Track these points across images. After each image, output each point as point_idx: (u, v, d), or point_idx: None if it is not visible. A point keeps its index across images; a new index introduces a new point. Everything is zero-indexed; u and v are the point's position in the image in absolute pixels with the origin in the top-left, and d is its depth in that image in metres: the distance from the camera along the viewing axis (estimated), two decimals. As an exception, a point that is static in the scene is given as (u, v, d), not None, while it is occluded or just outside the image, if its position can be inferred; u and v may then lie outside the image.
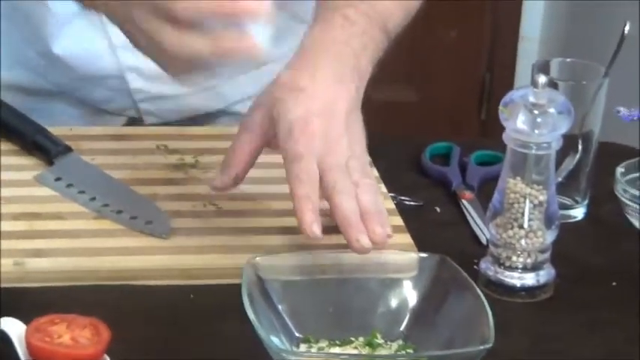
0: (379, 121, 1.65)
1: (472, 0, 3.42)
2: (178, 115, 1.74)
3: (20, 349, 1.17)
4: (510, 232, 1.34)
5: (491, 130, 3.26)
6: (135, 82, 1.68)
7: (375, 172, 1.48)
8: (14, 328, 1.19)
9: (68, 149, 1.50)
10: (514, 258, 1.35)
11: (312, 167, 1.31)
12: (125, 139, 1.49)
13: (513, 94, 1.33)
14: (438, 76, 3.45)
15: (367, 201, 1.31)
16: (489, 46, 3.47)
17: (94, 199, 1.43)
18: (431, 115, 3.28)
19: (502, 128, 1.32)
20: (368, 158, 1.40)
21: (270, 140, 1.38)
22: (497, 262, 1.36)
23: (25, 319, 1.19)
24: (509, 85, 3.46)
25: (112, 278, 1.33)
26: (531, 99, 1.32)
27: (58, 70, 1.68)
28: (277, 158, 1.34)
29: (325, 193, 1.31)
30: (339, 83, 1.38)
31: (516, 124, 1.31)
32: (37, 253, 1.33)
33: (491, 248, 1.37)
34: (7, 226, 1.38)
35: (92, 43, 1.66)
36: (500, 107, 1.33)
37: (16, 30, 1.42)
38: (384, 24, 1.46)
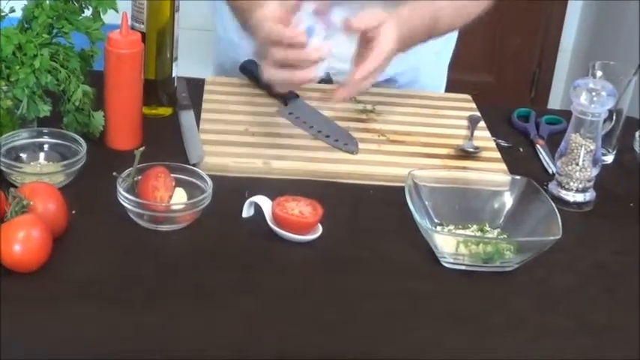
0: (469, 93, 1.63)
1: (532, 17, 3.33)
2: None
3: (267, 215, 1.19)
4: (570, 167, 1.31)
5: (538, 105, 3.24)
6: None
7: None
8: (264, 202, 1.20)
9: (297, 95, 1.49)
10: (571, 183, 1.32)
11: None
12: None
13: (580, 82, 1.30)
14: (507, 68, 3.38)
15: None
16: (540, 51, 3.39)
17: (312, 127, 1.42)
18: (499, 92, 3.23)
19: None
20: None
21: None
22: (560, 185, 1.33)
23: (271, 197, 1.20)
24: (549, 78, 3.41)
25: (321, 176, 1.32)
26: (591, 85, 1.29)
27: None
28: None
29: None
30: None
31: (580, 100, 1.28)
32: (278, 157, 1.33)
33: (556, 176, 1.34)
34: (269, 139, 1.37)
35: None
36: (571, 89, 1.30)
37: None
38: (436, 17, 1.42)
